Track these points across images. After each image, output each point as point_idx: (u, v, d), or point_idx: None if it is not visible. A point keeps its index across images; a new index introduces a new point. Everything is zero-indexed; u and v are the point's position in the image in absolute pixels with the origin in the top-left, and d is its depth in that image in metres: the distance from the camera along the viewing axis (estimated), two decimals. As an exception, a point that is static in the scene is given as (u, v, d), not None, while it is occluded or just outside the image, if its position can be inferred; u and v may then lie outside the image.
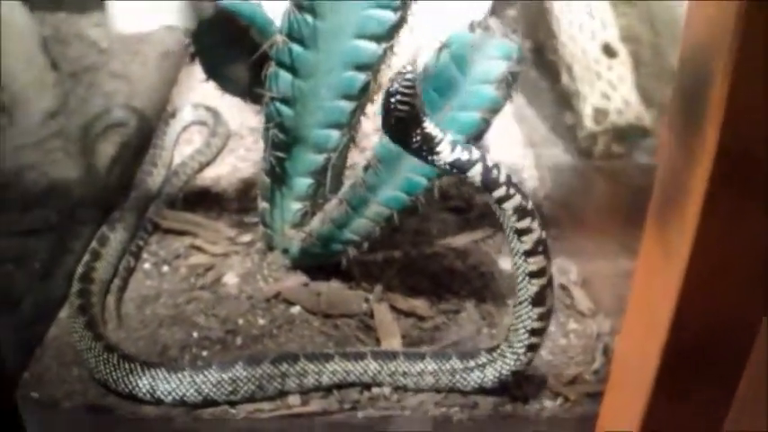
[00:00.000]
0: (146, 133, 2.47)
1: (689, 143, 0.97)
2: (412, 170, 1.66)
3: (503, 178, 1.36)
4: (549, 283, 1.46)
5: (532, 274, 1.44)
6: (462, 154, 1.33)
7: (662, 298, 1.03)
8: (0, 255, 1.64)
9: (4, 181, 1.67)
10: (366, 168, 1.70)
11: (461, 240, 2.09)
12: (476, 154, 1.33)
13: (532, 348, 1.53)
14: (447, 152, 1.32)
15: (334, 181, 1.82)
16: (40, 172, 1.90)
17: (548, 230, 1.83)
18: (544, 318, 1.49)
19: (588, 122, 2.01)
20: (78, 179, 2.08)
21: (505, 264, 1.99)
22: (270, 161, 1.79)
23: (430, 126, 1.31)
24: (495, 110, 1.57)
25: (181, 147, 2.54)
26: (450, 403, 1.65)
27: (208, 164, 2.44)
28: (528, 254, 1.42)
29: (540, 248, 1.42)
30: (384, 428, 1.61)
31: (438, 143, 1.31)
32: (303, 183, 1.83)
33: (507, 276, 1.94)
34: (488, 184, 1.36)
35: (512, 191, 1.37)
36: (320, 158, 1.78)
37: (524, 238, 1.41)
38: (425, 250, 2.04)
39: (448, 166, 1.33)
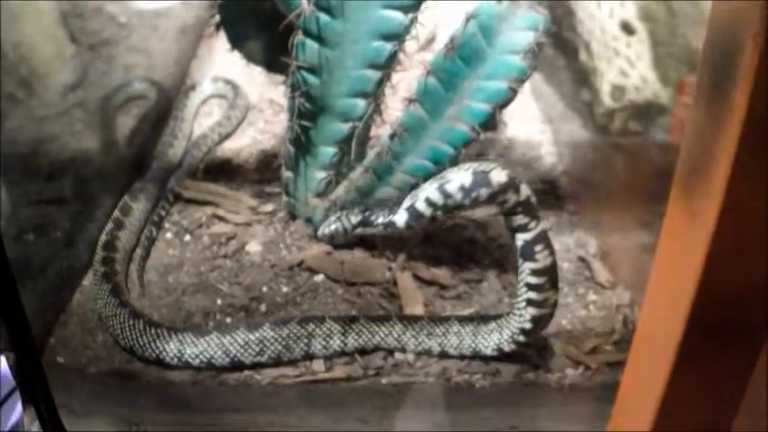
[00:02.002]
0: (165, 106, 2.47)
1: (717, 109, 0.97)
2: (438, 138, 1.67)
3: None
4: (537, 240, 1.47)
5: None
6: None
7: (687, 265, 1.02)
8: (23, 223, 1.62)
9: (25, 152, 1.65)
10: (392, 137, 1.70)
11: (481, 213, 2.07)
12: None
13: (532, 303, 1.54)
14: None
15: (358, 150, 1.82)
16: (60, 143, 1.90)
17: (566, 205, 1.97)
18: (539, 274, 1.49)
19: (606, 99, 2.01)
20: (99, 150, 2.09)
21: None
22: (295, 130, 1.79)
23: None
24: (521, 79, 1.57)
25: (200, 119, 2.54)
26: (472, 370, 1.65)
27: (228, 136, 2.44)
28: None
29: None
30: (408, 395, 1.61)
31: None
32: (328, 152, 1.83)
33: None
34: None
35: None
36: (345, 127, 1.78)
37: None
38: (445, 223, 2.03)
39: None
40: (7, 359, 1.40)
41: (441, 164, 1.68)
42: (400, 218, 1.51)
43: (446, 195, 1.43)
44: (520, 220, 1.46)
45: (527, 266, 1.49)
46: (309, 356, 1.66)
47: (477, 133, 1.63)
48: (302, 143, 1.83)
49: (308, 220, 1.97)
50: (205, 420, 1.63)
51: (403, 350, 1.69)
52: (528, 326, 1.55)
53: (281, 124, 2.42)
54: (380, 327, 1.69)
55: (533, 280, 1.49)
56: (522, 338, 1.58)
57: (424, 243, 1.96)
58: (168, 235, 2.04)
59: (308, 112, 1.76)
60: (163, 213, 2.08)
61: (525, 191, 1.43)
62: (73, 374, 1.67)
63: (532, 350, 1.69)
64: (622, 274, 1.88)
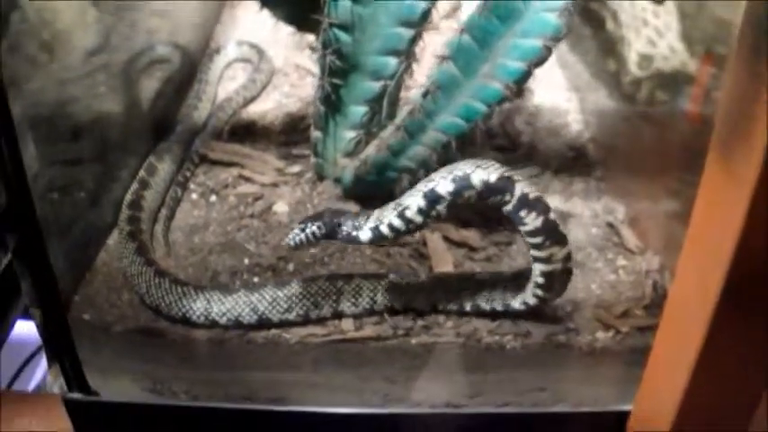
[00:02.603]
0: (189, 70, 2.46)
1: (757, 71, 0.96)
2: (471, 96, 1.65)
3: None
4: (519, 207, 1.47)
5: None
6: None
7: (724, 227, 1.01)
8: (47, 183, 1.61)
9: (47, 114, 1.64)
10: (425, 94, 1.68)
11: None
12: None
13: (538, 260, 1.53)
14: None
15: (389, 109, 1.81)
16: (83, 105, 1.88)
17: (593, 172, 1.98)
18: (533, 234, 1.49)
19: (633, 68, 2.00)
20: (122, 112, 2.07)
21: (553, 202, 1.90)
22: (325, 89, 1.77)
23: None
24: (556, 38, 1.56)
25: (225, 83, 2.52)
26: (503, 331, 1.64)
27: (252, 99, 2.43)
28: None
29: None
30: (437, 355, 1.60)
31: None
32: (358, 111, 1.81)
33: (555, 215, 1.86)
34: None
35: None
36: (377, 86, 1.76)
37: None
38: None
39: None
40: (33, 315, 1.38)
41: (473, 121, 1.67)
42: (364, 234, 1.52)
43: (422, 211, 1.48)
44: (493, 201, 1.46)
45: (521, 230, 1.48)
46: (339, 315, 1.66)
47: (510, 91, 1.61)
48: (332, 102, 1.81)
49: (337, 181, 1.95)
50: (231, 379, 1.61)
51: (433, 307, 1.67)
52: (541, 280, 1.54)
53: (306, 88, 2.43)
54: (410, 283, 1.67)
55: (531, 240, 1.48)
56: (540, 293, 1.57)
57: (450, 206, 1.89)
58: (194, 196, 2.03)
59: (339, 70, 1.74)
60: (188, 174, 2.07)
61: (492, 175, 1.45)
62: (98, 332, 1.66)
63: (563, 312, 1.69)
64: (651, 241, 1.86)
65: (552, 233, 1.48)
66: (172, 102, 2.34)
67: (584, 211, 1.97)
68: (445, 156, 1.73)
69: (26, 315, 1.59)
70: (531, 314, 1.65)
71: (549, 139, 2.25)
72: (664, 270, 1.78)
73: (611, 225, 1.94)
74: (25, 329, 1.69)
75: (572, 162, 2.15)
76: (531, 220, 1.46)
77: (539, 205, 1.45)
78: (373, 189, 1.89)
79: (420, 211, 1.47)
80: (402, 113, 1.76)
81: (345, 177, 1.91)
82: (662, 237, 1.84)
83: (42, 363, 2.04)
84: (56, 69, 1.75)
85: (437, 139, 1.73)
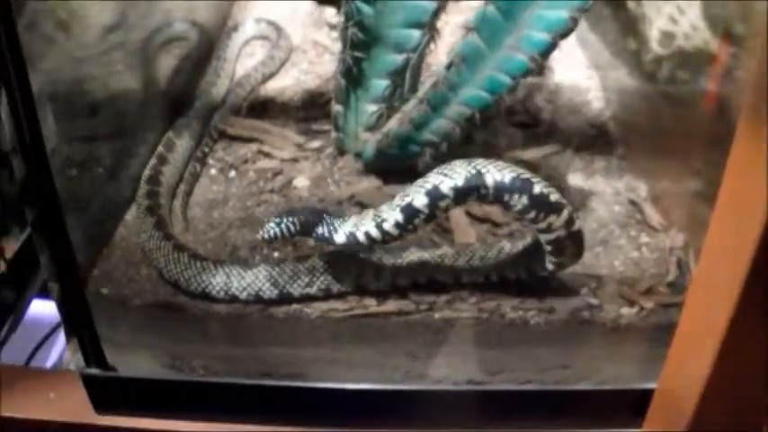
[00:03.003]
0: (207, 47, 2.44)
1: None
2: (496, 68, 1.63)
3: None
4: (498, 195, 1.45)
5: None
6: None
7: (755, 197, 0.98)
8: (65, 159, 1.60)
9: (64, 91, 1.64)
10: (448, 66, 1.66)
11: (530, 154, 2.05)
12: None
13: (540, 231, 1.52)
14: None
15: (411, 83, 1.80)
16: (100, 83, 1.87)
17: (615, 149, 1.98)
18: (523, 212, 1.47)
19: (654, 45, 1.96)
20: (139, 89, 2.06)
21: (575, 179, 1.97)
22: (346, 62, 1.76)
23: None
24: (583, 9, 1.54)
25: (243, 60, 2.51)
26: (526, 307, 1.63)
27: (271, 76, 2.41)
28: None
29: None
30: (459, 330, 1.58)
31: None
32: (380, 84, 1.80)
33: (577, 192, 1.92)
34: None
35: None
36: (399, 59, 1.75)
37: None
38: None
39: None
40: (51, 290, 1.36)
41: (497, 94, 1.65)
42: (339, 237, 1.53)
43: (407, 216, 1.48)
44: (474, 199, 1.47)
45: (513, 212, 1.50)
46: (361, 289, 1.65)
47: (536, 63, 1.59)
48: (354, 76, 1.80)
49: (358, 156, 1.93)
50: (251, 354, 1.60)
51: (457, 279, 1.66)
52: (549, 248, 1.53)
53: (325, 66, 2.42)
54: (433, 254, 1.66)
55: (526, 216, 1.47)
56: (554, 259, 1.56)
57: None
58: (212, 171, 2.01)
59: (361, 42, 1.73)
60: (206, 150, 2.06)
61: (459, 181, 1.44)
62: (116, 307, 1.65)
63: (587, 288, 1.67)
64: (674, 219, 1.84)
65: (543, 206, 1.45)
66: (190, 78, 2.32)
67: (605, 189, 1.95)
68: (469, 129, 1.73)
69: (43, 294, 1.64)
70: (555, 290, 1.65)
71: (569, 116, 2.23)
72: (688, 248, 1.75)
73: (633, 203, 1.92)
74: (42, 309, 1.73)
75: (593, 140, 2.13)
76: (517, 201, 1.44)
77: (518, 185, 1.43)
78: (395, 163, 1.88)
79: (397, 225, 1.48)
80: (425, 86, 1.74)
81: (367, 152, 1.89)
82: (685, 215, 1.82)
83: (59, 343, 2.03)
84: (72, 47, 1.74)
85: (461, 113, 1.71)
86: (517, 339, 1.60)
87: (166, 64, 2.25)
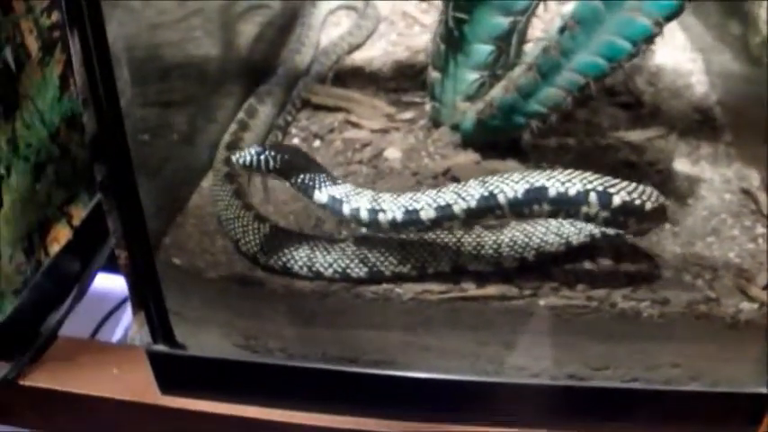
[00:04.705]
0: (289, 15, 2.38)
1: None
2: (616, 32, 1.50)
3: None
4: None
5: None
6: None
7: None
8: (139, 124, 1.51)
9: (141, 56, 1.56)
10: (561, 30, 1.55)
11: (634, 136, 1.94)
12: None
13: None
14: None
15: (517, 48, 1.70)
16: (178, 48, 1.80)
17: (722, 136, 1.87)
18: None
19: (763, 27, 1.85)
20: (218, 56, 1.99)
21: (681, 165, 1.86)
22: (447, 24, 1.66)
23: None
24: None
25: (328, 29, 2.44)
26: (639, 297, 1.51)
27: (358, 46, 2.33)
28: None
29: None
30: (564, 319, 1.48)
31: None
32: (483, 50, 1.69)
33: (685, 178, 1.82)
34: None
35: None
36: (505, 22, 1.64)
37: None
38: (599, 141, 1.90)
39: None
40: (118, 257, 1.28)
41: (616, 61, 1.52)
42: (320, 195, 1.47)
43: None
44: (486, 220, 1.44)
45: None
46: (458, 270, 1.53)
47: (660, 27, 1.46)
48: (455, 39, 1.69)
49: (455, 127, 1.82)
50: (333, 337, 1.50)
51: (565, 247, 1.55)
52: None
53: (414, 38, 2.34)
54: (534, 228, 1.55)
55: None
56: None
57: (578, 160, 1.81)
58: (295, 141, 1.92)
59: (465, 3, 1.62)
60: (289, 118, 1.97)
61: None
62: (188, 279, 1.56)
63: (701, 280, 1.55)
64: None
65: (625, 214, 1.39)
66: (271, 46, 2.26)
67: (714, 177, 1.83)
68: (585, 98, 1.63)
69: (111, 267, 1.57)
70: (668, 279, 1.55)
71: (672, 99, 2.11)
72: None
73: (746, 191, 1.80)
74: (110, 283, 1.68)
75: (698, 125, 2.02)
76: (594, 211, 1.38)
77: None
78: (496, 136, 1.77)
79: (392, 223, 1.41)
80: (534, 51, 1.63)
81: (465, 123, 1.77)
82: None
83: (125, 319, 2.00)
84: (150, 15, 1.67)
85: (573, 81, 1.58)
86: (626, 332, 1.49)
87: (247, 31, 2.17)
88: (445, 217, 1.37)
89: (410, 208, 1.37)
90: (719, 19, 2.15)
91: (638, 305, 1.50)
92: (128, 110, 1.27)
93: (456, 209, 1.35)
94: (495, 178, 1.37)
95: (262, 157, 1.43)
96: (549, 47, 1.57)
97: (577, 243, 1.56)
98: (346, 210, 1.40)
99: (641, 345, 1.49)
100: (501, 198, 1.35)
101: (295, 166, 1.44)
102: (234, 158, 1.45)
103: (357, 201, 1.39)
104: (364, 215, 1.39)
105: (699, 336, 1.51)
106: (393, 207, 1.38)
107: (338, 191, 1.42)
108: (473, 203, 1.35)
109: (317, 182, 1.42)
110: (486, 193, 1.36)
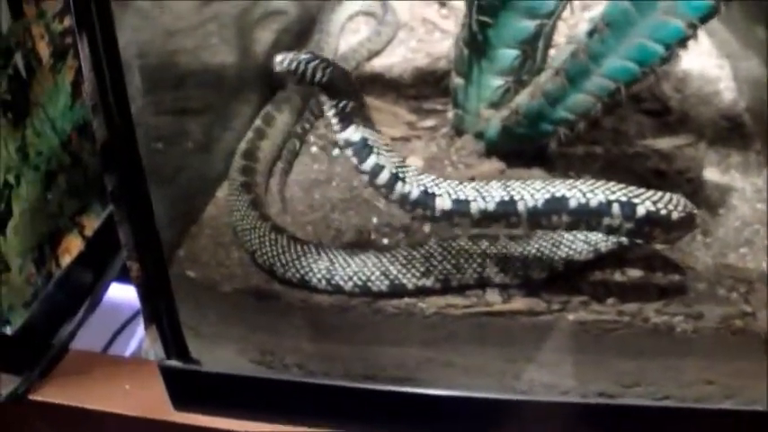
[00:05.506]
0: (307, 22, 2.37)
1: None
2: (648, 35, 1.45)
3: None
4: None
5: None
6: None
7: None
8: (153, 132, 1.52)
9: (155, 63, 1.56)
10: (591, 33, 1.50)
11: (663, 144, 1.90)
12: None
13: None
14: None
15: (543, 53, 1.66)
16: (193, 55, 1.79)
17: (752, 144, 1.85)
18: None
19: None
20: (235, 63, 1.97)
21: (711, 174, 1.82)
22: (471, 28, 1.62)
23: None
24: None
25: (347, 36, 2.41)
26: (672, 311, 1.47)
27: (377, 53, 2.30)
28: None
29: None
30: (594, 335, 1.44)
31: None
32: (508, 54, 1.65)
33: (715, 187, 1.78)
34: None
35: None
36: (531, 25, 1.60)
37: None
38: (627, 150, 1.86)
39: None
40: (130, 269, 1.26)
41: (648, 66, 1.48)
42: (352, 134, 1.35)
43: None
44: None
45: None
46: (483, 282, 1.50)
47: (694, 29, 1.43)
48: (479, 44, 1.65)
49: (478, 135, 1.78)
50: (353, 353, 1.46)
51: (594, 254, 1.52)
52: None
53: (435, 44, 2.30)
54: (562, 237, 1.51)
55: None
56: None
57: (606, 169, 1.78)
58: (313, 149, 1.89)
59: (489, 6, 1.58)
60: (307, 126, 1.94)
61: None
62: (202, 292, 1.53)
63: (738, 294, 1.51)
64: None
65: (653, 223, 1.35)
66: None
67: (745, 186, 1.80)
68: (612, 105, 1.58)
69: (124, 277, 1.55)
70: (701, 293, 1.51)
71: (700, 106, 2.07)
72: None
73: (777, 201, 1.72)
74: (124, 294, 1.65)
75: (727, 132, 1.97)
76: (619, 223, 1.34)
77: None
78: (522, 144, 1.72)
79: (405, 196, 1.33)
80: (562, 54, 1.59)
81: (490, 130, 1.74)
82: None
83: (139, 331, 1.94)
84: (166, 21, 1.67)
85: (603, 86, 1.54)
86: (658, 348, 1.45)
87: (264, 38, 2.15)
88: (459, 212, 1.32)
89: (429, 190, 1.31)
90: (745, 24, 2.12)
91: (670, 320, 1.46)
92: (139, 117, 1.24)
93: (473, 207, 1.32)
94: (517, 183, 1.33)
95: (310, 65, 1.30)
96: (577, 51, 1.54)
97: (606, 250, 1.53)
98: (371, 161, 1.31)
99: (674, 361, 1.46)
100: (520, 206, 1.32)
101: (342, 90, 1.32)
102: (278, 59, 1.31)
103: (383, 159, 1.33)
104: (384, 176, 1.32)
105: (734, 352, 1.47)
106: (413, 181, 1.32)
107: (372, 136, 1.34)
108: (491, 206, 1.32)
109: (354, 117, 1.33)
110: (506, 198, 1.32)
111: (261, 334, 1.50)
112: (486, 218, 1.33)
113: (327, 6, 2.46)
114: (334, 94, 1.30)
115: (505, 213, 1.32)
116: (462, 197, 1.33)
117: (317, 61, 1.29)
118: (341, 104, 1.31)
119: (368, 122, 1.33)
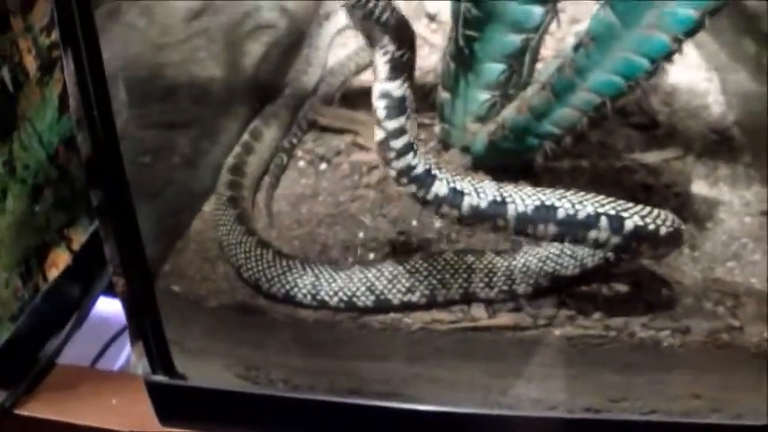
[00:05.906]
0: (296, 35, 2.35)
1: None
2: (633, 49, 1.45)
3: None
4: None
5: None
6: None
7: None
8: (139, 146, 1.54)
9: (144, 76, 1.59)
10: (576, 47, 1.49)
11: (650, 158, 1.90)
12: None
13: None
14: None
15: (530, 67, 1.65)
16: (181, 69, 1.79)
17: (741, 157, 1.84)
18: None
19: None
20: (223, 76, 1.97)
21: (699, 188, 1.83)
22: (457, 42, 1.61)
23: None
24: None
25: (335, 50, 2.39)
26: (658, 326, 1.47)
27: (366, 67, 2.26)
28: None
29: None
30: (581, 350, 1.44)
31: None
32: (494, 68, 1.64)
33: (703, 201, 1.78)
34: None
35: None
36: (517, 40, 1.59)
37: None
38: (614, 164, 1.86)
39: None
40: (115, 285, 1.26)
41: (633, 79, 1.47)
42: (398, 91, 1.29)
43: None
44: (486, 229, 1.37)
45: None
46: (469, 297, 1.49)
47: (679, 44, 1.42)
48: (465, 58, 1.64)
49: (465, 150, 1.77)
50: (339, 368, 1.46)
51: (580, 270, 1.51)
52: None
53: (423, 59, 2.21)
54: (548, 252, 1.51)
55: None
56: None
57: (594, 183, 1.78)
58: (300, 163, 1.89)
59: (475, 20, 1.57)
60: (294, 141, 1.93)
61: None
62: (188, 307, 1.53)
63: (722, 307, 1.52)
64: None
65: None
66: (278, 67, 2.23)
67: (733, 199, 1.80)
68: (598, 119, 1.59)
69: (112, 291, 1.48)
70: (688, 307, 1.51)
71: (688, 120, 2.07)
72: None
73: (766, 214, 1.76)
74: (112, 308, 1.62)
75: (715, 146, 1.97)
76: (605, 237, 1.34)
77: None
78: (508, 158, 1.72)
79: (408, 168, 1.31)
80: (548, 69, 1.59)
81: (476, 145, 1.73)
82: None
83: (128, 345, 1.91)
84: (154, 35, 1.69)
85: (588, 100, 1.53)
86: (644, 362, 1.45)
87: (253, 51, 2.15)
88: (453, 203, 1.31)
89: (432, 171, 1.31)
90: (733, 37, 2.12)
91: (657, 334, 1.46)
92: (125, 131, 1.24)
93: (465, 201, 1.30)
94: (509, 187, 1.33)
95: (380, 2, 1.21)
96: (563, 65, 1.53)
97: (592, 266, 1.52)
98: (399, 121, 1.29)
99: (661, 375, 1.46)
100: (510, 209, 1.31)
101: (405, 39, 1.25)
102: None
103: (404, 129, 1.31)
104: (399, 143, 1.31)
105: (721, 366, 1.47)
106: (421, 160, 1.31)
107: (408, 96, 1.29)
108: (483, 204, 1.31)
109: (405, 72, 1.26)
110: (498, 199, 1.31)
111: (246, 349, 1.50)
112: (476, 215, 1.32)
113: (316, 21, 2.45)
114: (395, 39, 1.24)
115: (495, 214, 1.32)
116: (459, 188, 1.32)
117: (386, 0, 1.21)
118: (398, 53, 1.25)
119: (412, 84, 1.28)
